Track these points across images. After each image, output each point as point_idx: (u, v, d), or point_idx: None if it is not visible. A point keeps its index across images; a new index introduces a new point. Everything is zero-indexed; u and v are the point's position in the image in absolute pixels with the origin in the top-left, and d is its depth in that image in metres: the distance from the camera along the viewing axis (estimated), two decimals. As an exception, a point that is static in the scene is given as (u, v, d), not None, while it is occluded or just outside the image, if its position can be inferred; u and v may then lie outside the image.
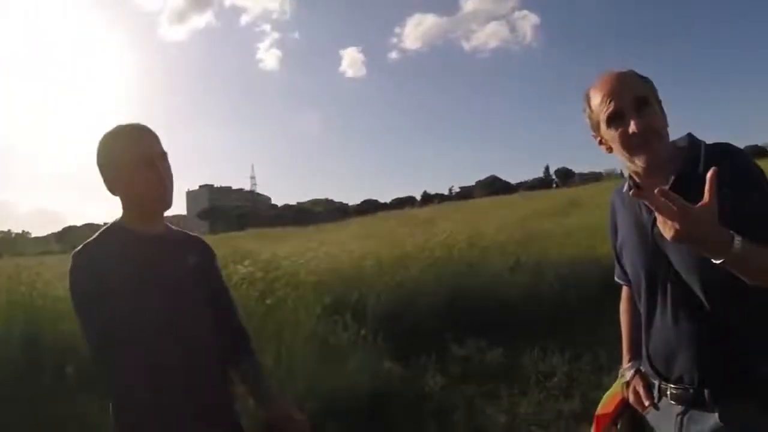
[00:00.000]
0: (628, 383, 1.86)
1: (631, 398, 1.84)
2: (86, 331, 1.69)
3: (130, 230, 1.80)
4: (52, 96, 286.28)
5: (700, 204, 1.34)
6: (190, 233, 2.08)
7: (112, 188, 1.82)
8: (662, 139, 1.60)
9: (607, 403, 1.97)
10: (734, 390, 1.54)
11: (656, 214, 1.38)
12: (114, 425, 1.72)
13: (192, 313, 1.82)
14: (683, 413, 1.64)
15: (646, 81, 1.65)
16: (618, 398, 1.92)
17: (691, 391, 1.60)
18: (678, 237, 1.34)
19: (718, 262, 1.37)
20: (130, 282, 1.68)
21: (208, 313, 1.90)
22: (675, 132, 1.68)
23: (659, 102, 1.64)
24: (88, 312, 1.68)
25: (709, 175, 1.35)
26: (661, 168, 1.59)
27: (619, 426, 1.91)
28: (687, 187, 1.46)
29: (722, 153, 1.55)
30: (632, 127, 1.56)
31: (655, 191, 1.33)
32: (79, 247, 1.73)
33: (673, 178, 1.57)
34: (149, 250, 1.79)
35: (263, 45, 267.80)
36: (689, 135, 1.67)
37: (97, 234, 1.79)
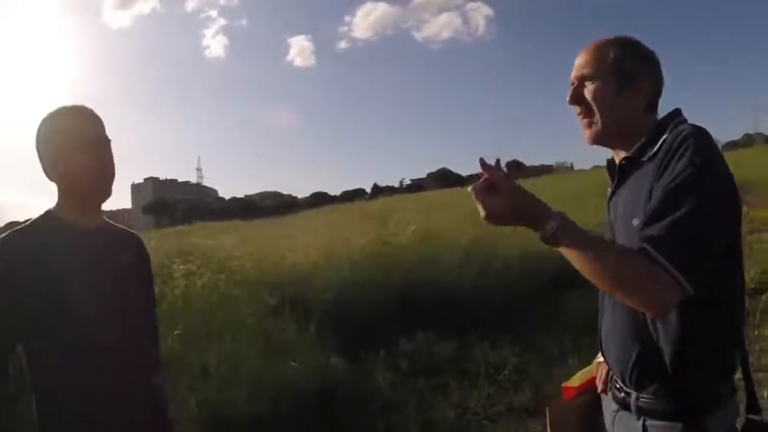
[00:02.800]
0: (599, 363, 1.83)
1: (597, 378, 1.82)
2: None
3: (64, 220, 1.69)
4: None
5: (479, 182, 1.34)
6: (129, 230, 1.97)
7: (49, 173, 1.71)
8: (598, 117, 1.53)
9: (579, 379, 1.96)
10: (659, 405, 1.46)
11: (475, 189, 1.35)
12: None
13: (126, 314, 1.72)
14: (615, 411, 1.60)
15: (613, 50, 1.54)
16: (590, 376, 1.90)
17: (622, 393, 1.56)
18: (485, 217, 1.34)
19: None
20: (60, 276, 1.57)
21: (142, 314, 1.82)
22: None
23: (624, 78, 1.51)
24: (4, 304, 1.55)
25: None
26: (626, 148, 1.54)
27: (578, 403, 1.90)
28: (629, 171, 1.52)
29: (678, 134, 1.41)
30: (567, 97, 1.57)
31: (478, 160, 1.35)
32: (6, 234, 1.60)
33: (622, 156, 1.54)
34: (83, 244, 1.67)
35: (209, 32, 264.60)
36: (671, 112, 1.55)
37: (28, 222, 1.68)
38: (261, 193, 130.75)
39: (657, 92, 1.57)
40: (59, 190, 1.72)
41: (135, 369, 1.71)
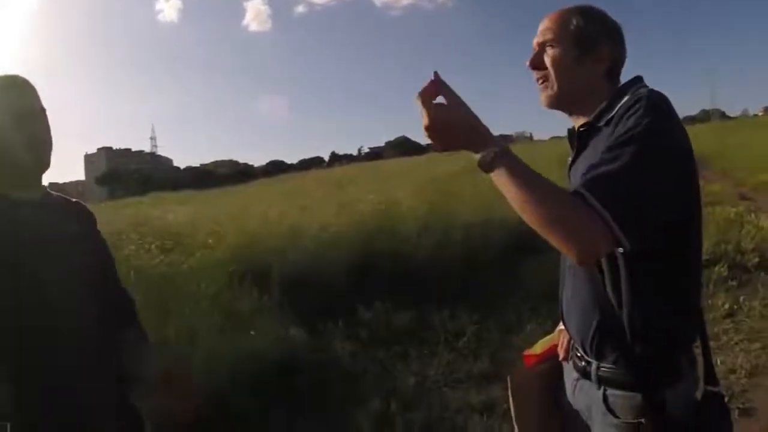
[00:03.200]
0: (561, 331, 1.84)
1: (559, 347, 1.82)
2: None
3: (4, 196, 1.58)
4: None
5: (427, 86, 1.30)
6: (70, 198, 1.87)
7: None
8: (555, 83, 1.53)
9: (540, 347, 1.96)
10: (618, 374, 1.46)
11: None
12: None
13: (74, 287, 1.61)
14: (576, 380, 1.61)
15: (575, 18, 1.53)
16: (552, 343, 1.90)
17: (582, 362, 1.56)
18: (427, 126, 1.29)
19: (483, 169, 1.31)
20: (5, 254, 1.48)
21: (93, 286, 1.71)
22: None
23: (584, 46, 1.51)
24: None
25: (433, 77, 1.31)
26: (585, 115, 1.53)
27: (539, 370, 1.90)
28: (587, 139, 1.51)
29: (635, 99, 1.38)
30: (527, 62, 1.58)
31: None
32: None
33: (579, 125, 1.55)
34: (24, 218, 1.58)
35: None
36: (632, 79, 1.54)
37: None
38: (216, 162, 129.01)
39: (619, 61, 1.56)
40: None
41: (93, 347, 1.63)
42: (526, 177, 1.26)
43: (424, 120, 1.28)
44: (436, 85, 1.31)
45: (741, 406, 3.61)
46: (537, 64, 1.55)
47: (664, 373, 1.44)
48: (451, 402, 4.05)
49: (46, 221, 1.64)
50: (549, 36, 1.53)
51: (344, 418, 3.91)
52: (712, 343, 4.45)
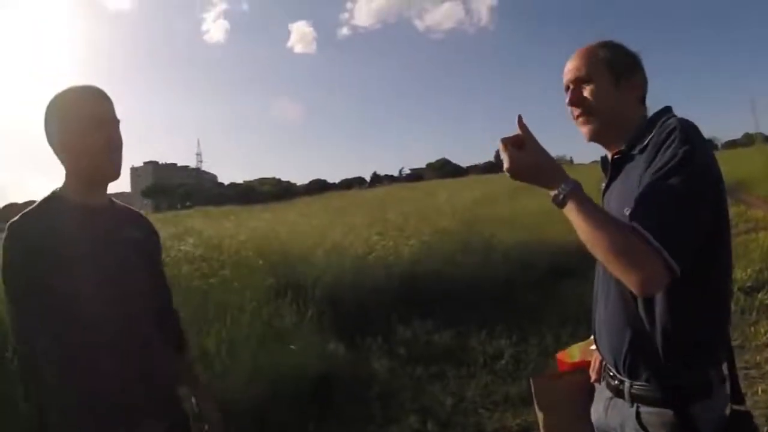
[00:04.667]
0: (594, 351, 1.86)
1: (591, 366, 1.86)
2: (15, 308, 1.56)
3: (73, 201, 1.67)
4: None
5: (510, 136, 1.46)
6: (134, 208, 1.96)
7: (58, 152, 1.69)
8: (597, 115, 1.61)
9: (577, 353, 2.01)
10: (651, 392, 1.50)
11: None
12: (40, 419, 1.57)
13: (139, 292, 1.71)
14: (609, 399, 1.64)
15: (605, 52, 1.62)
16: (587, 356, 1.93)
17: (615, 381, 1.60)
18: (508, 169, 1.47)
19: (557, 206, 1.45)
20: (73, 255, 1.55)
21: (155, 293, 1.82)
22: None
23: (618, 75, 1.60)
24: (21, 287, 1.55)
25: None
26: (620, 143, 1.60)
27: (572, 379, 1.93)
28: (621, 165, 1.58)
29: (667, 128, 1.46)
30: (566, 100, 1.65)
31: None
32: (17, 217, 1.59)
33: (613, 153, 1.62)
34: (93, 222, 1.66)
35: (210, 16, 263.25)
36: (662, 108, 1.61)
37: (36, 204, 1.65)
38: (260, 179, 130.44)
39: (646, 88, 1.65)
40: (66, 170, 1.70)
41: (137, 352, 1.67)
42: (592, 213, 1.38)
43: (506, 163, 1.46)
44: (521, 129, 1.46)
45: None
46: (577, 101, 1.62)
47: (695, 390, 1.47)
48: (487, 424, 4.04)
49: (114, 227, 1.72)
50: (582, 72, 1.61)
51: (380, 435, 3.92)
52: (753, 372, 4.38)
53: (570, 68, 1.65)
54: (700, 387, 1.48)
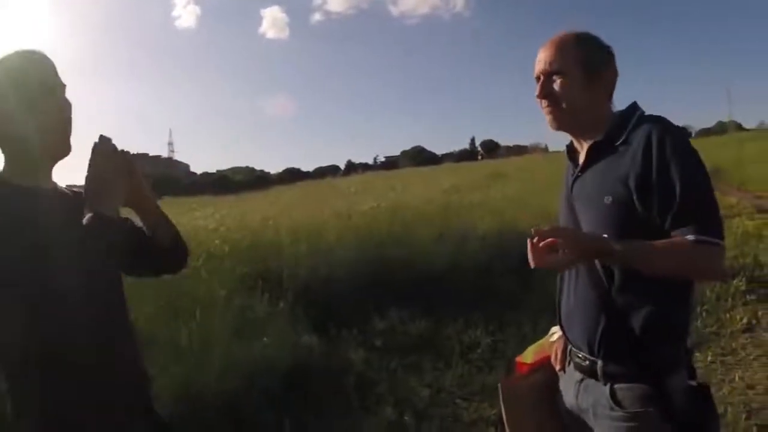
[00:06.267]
0: (553, 343, 1.96)
1: (552, 358, 1.94)
2: None
3: (12, 184, 1.49)
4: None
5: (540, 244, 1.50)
6: (77, 190, 1.72)
7: (6, 124, 1.49)
8: (564, 107, 1.67)
9: (531, 355, 2.04)
10: (625, 369, 1.60)
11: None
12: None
13: (101, 281, 1.57)
14: (580, 381, 1.72)
15: (579, 46, 1.68)
16: (543, 354, 1.99)
17: (587, 362, 1.67)
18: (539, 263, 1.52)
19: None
20: (16, 247, 1.40)
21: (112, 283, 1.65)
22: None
23: (590, 72, 1.66)
24: None
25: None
26: (588, 134, 1.69)
27: (532, 379, 1.98)
28: (598, 155, 1.66)
29: (646, 122, 1.59)
30: (536, 91, 1.71)
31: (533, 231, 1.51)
32: None
33: (587, 145, 1.69)
34: (38, 207, 1.49)
35: (180, 1, 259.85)
36: (631, 104, 1.71)
37: None
38: (233, 169, 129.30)
39: (615, 82, 1.73)
40: (6, 149, 1.53)
41: (110, 345, 1.55)
42: (643, 253, 1.49)
43: (531, 260, 1.53)
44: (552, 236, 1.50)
45: (759, 422, 3.52)
46: (546, 94, 1.69)
47: (667, 364, 1.58)
48: (464, 414, 4.02)
49: (61, 211, 1.53)
50: (555, 66, 1.67)
51: (357, 427, 3.87)
52: (730, 358, 4.43)
53: (541, 59, 1.70)
54: (672, 361, 1.59)
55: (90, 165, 1.49)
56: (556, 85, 1.66)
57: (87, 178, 1.48)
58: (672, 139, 1.51)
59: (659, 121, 1.58)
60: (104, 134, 1.52)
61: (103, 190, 1.46)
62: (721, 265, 1.54)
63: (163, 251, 1.75)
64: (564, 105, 1.66)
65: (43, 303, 1.41)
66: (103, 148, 1.50)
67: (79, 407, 1.46)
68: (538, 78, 1.71)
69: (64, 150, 1.56)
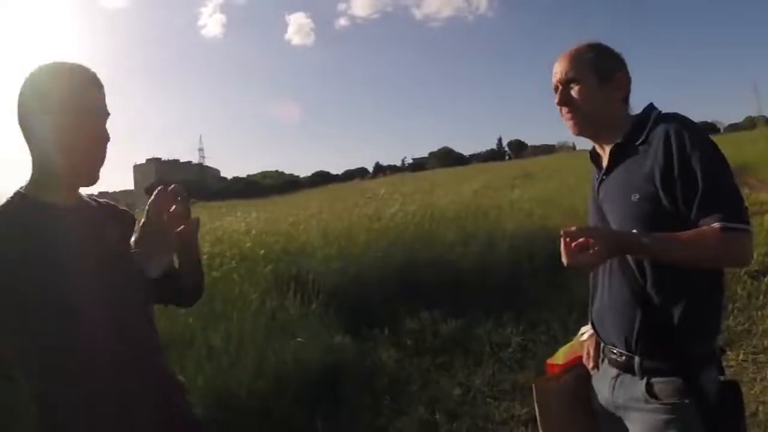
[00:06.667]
0: (584, 342, 1.99)
1: (584, 357, 1.98)
2: None
3: (40, 201, 1.47)
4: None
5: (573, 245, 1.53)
6: (113, 203, 1.76)
7: (31, 139, 1.47)
8: (584, 113, 1.75)
9: (563, 356, 2.09)
10: (661, 364, 1.64)
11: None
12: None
13: (119, 299, 1.53)
14: (616, 377, 1.76)
15: (590, 53, 1.77)
16: (574, 354, 2.04)
17: (623, 357, 1.71)
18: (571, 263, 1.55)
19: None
20: (46, 262, 1.39)
21: (137, 296, 1.60)
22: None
23: (603, 76, 1.74)
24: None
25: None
26: (607, 136, 1.78)
27: (565, 379, 2.01)
28: (621, 156, 1.73)
29: (663, 121, 1.65)
30: (555, 99, 1.79)
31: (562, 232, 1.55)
32: None
33: (609, 147, 1.76)
34: (67, 224, 1.48)
35: (206, 10, 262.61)
36: (648, 105, 1.78)
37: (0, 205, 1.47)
38: (263, 173, 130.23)
39: (629, 88, 1.80)
40: (37, 165, 1.49)
41: (132, 361, 1.53)
42: (672, 243, 1.54)
43: (565, 261, 1.56)
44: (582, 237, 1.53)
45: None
46: (565, 101, 1.77)
47: (702, 359, 1.65)
48: (495, 413, 4.02)
49: (89, 227, 1.53)
50: (570, 74, 1.76)
51: (389, 427, 3.91)
52: (762, 357, 4.37)
53: (557, 70, 1.79)
54: (706, 356, 1.66)
55: (144, 222, 1.54)
56: (574, 92, 1.75)
57: (140, 234, 1.54)
58: (690, 133, 1.58)
59: (675, 119, 1.65)
60: (167, 184, 1.56)
61: (155, 252, 1.52)
62: (750, 250, 1.55)
63: (186, 290, 1.80)
64: (582, 109, 1.75)
65: (60, 316, 1.40)
66: (159, 199, 1.55)
67: (98, 415, 1.46)
68: (556, 88, 1.79)
69: (89, 177, 1.53)
